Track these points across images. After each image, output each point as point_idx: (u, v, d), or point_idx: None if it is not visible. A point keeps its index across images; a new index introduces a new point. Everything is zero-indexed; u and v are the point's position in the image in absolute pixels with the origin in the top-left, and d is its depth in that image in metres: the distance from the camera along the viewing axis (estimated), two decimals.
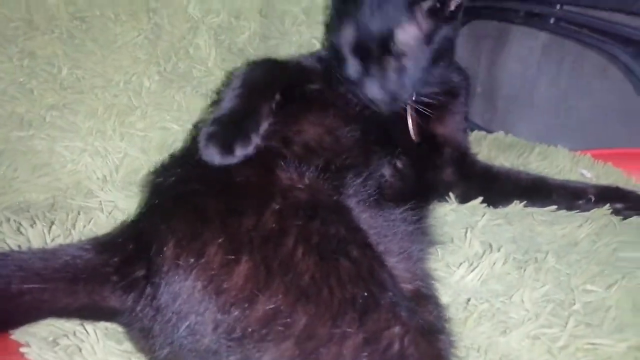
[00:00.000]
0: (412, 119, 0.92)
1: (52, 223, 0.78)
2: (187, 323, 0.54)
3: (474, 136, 1.27)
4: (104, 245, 0.65)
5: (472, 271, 0.76)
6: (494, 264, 0.78)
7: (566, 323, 0.65)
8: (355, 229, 0.62)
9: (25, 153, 0.87)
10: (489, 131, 1.33)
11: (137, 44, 0.99)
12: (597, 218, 0.90)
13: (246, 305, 0.52)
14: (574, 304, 0.69)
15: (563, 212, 0.93)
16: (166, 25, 1.04)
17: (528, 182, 0.99)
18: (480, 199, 0.97)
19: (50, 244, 0.75)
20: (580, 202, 0.92)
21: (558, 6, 1.23)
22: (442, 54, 0.88)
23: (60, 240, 0.76)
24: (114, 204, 0.88)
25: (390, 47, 0.82)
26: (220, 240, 0.57)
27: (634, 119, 1.24)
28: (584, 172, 1.05)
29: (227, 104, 0.76)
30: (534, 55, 1.48)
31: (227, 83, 0.86)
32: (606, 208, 0.91)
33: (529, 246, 0.84)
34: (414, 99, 0.89)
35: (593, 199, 0.91)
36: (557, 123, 1.46)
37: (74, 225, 0.79)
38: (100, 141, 0.92)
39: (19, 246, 0.72)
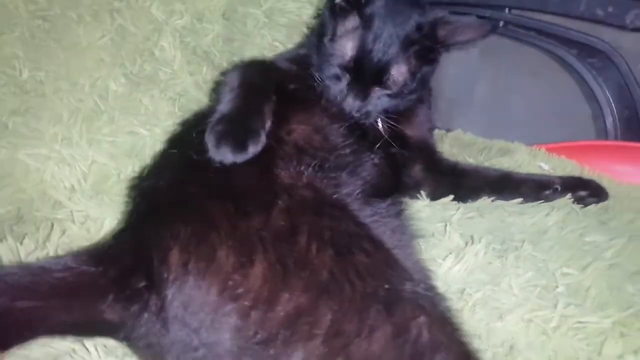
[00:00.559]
0: (381, 121, 0.96)
1: (23, 237, 0.72)
2: (202, 333, 0.52)
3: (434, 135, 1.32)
4: (99, 256, 0.61)
5: (458, 262, 0.79)
6: (476, 254, 0.81)
7: (554, 305, 0.69)
8: (361, 224, 0.62)
9: None
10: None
11: (101, 45, 0.94)
12: (561, 207, 0.96)
13: (266, 307, 0.51)
14: (557, 286, 0.74)
15: (529, 203, 0.99)
16: (130, 27, 0.99)
17: (496, 177, 1.04)
18: (451, 196, 1.01)
19: (26, 259, 0.70)
20: (547, 192, 0.99)
21: (507, 10, 1.31)
22: (419, 89, 0.97)
23: (35, 255, 0.71)
24: (85, 214, 0.83)
25: (384, 79, 0.89)
26: (230, 242, 0.55)
27: (564, 115, 1.35)
28: (542, 164, 1.12)
29: (230, 103, 0.76)
30: (472, 59, 1.56)
31: (219, 84, 0.85)
32: (568, 197, 0.98)
33: (504, 236, 0.88)
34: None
35: (559, 188, 0.98)
36: (494, 121, 1.55)
37: (47, 238, 0.74)
38: (67, 148, 0.86)
39: None
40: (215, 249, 0.55)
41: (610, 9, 1.11)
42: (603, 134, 1.20)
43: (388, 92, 0.92)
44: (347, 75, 0.91)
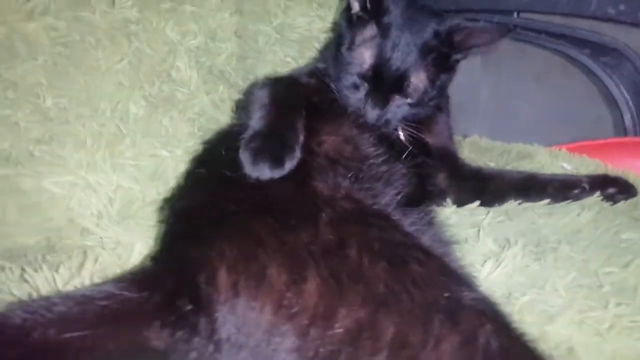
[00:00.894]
0: (402, 130, 0.97)
1: (58, 266, 0.71)
2: (258, 355, 0.50)
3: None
4: (141, 281, 0.59)
5: (497, 267, 0.78)
6: (514, 258, 0.80)
7: (604, 305, 0.68)
8: (407, 233, 0.61)
9: (11, 193, 0.79)
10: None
11: (120, 69, 0.93)
12: (590, 206, 0.95)
13: (325, 324, 0.50)
14: (602, 286, 0.73)
15: (558, 204, 0.98)
16: (146, 49, 0.99)
17: (520, 179, 1.03)
18: (478, 202, 1.00)
19: (63, 289, 0.68)
20: (576, 191, 0.98)
21: (515, 14, 1.31)
22: (438, 96, 0.97)
23: (72, 284, 0.69)
24: (115, 240, 0.81)
25: (404, 87, 0.90)
26: (280, 259, 0.54)
27: (580, 115, 1.35)
28: (565, 165, 1.12)
29: (263, 120, 0.75)
30: (478, 64, 1.57)
31: (247, 101, 0.85)
32: (597, 195, 0.97)
33: (539, 238, 0.87)
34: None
35: (587, 187, 0.97)
36: (507, 125, 1.56)
37: (81, 266, 0.72)
38: (92, 174, 0.85)
39: (29, 295, 0.65)
40: (265, 267, 0.54)
41: (622, 7, 1.11)
42: (622, 131, 1.19)
43: (407, 100, 0.92)
44: (366, 84, 0.91)
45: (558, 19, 1.23)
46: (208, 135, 1.02)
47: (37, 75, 0.81)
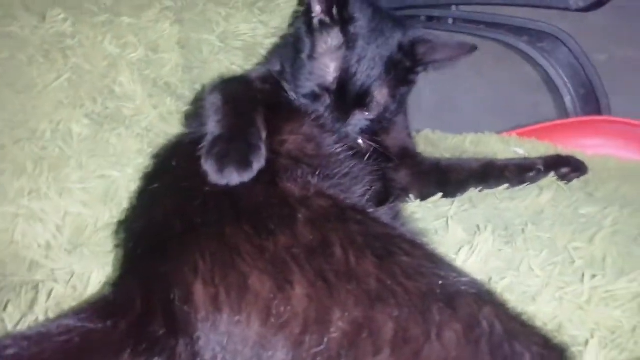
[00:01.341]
0: (361, 139, 0.95)
1: (6, 305, 0.64)
2: None
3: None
4: (104, 309, 0.54)
5: (472, 254, 0.78)
6: (486, 243, 0.80)
7: (580, 279, 0.69)
8: (386, 225, 0.60)
9: None
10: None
11: (58, 86, 0.87)
12: (548, 186, 0.98)
13: (319, 329, 0.47)
14: (574, 261, 0.74)
15: (517, 187, 1.00)
16: (85, 64, 0.93)
17: (479, 167, 1.05)
18: (440, 194, 1.00)
19: (13, 330, 0.61)
20: (531, 174, 1.00)
21: (454, 7, 1.34)
22: (398, 109, 0.96)
23: (24, 324, 0.63)
24: (68, 271, 0.75)
25: (366, 103, 0.87)
26: (261, 266, 0.51)
27: (524, 101, 1.40)
28: (517, 150, 1.15)
29: (221, 123, 0.71)
30: None
31: (198, 109, 0.80)
32: (552, 176, 1.00)
33: (505, 222, 0.88)
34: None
35: (542, 169, 0.99)
36: (454, 117, 1.59)
37: (33, 304, 0.66)
38: (36, 202, 0.78)
39: None
40: (246, 276, 0.50)
41: None
42: (564, 113, 1.24)
43: (368, 115, 0.90)
44: (327, 97, 0.88)
45: (495, 9, 1.28)
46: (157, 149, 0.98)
47: None
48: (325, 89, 0.87)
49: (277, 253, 0.52)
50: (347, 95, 0.87)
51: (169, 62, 1.10)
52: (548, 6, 1.16)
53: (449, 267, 0.55)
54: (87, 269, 0.75)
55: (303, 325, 0.47)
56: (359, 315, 0.47)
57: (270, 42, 1.32)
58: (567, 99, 1.22)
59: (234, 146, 0.67)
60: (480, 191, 1.00)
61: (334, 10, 0.86)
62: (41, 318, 0.64)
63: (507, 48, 1.29)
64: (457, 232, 0.85)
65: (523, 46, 1.25)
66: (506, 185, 1.00)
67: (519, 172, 1.01)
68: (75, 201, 0.84)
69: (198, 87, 1.16)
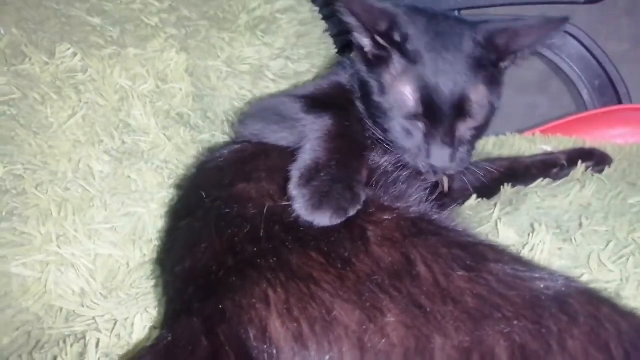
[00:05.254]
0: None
1: None
2: None
3: None
4: (167, 352, 0.49)
5: (534, 256, 0.74)
6: (544, 243, 0.77)
7: None
8: (462, 231, 0.55)
9: None
10: None
11: (74, 124, 0.82)
12: (587, 178, 0.95)
13: (423, 358, 0.41)
14: None
15: (556, 183, 0.97)
16: (98, 99, 0.88)
17: (507, 166, 1.03)
18: (474, 196, 0.97)
19: None
20: (555, 170, 0.98)
21: (457, 12, 1.33)
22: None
23: None
24: (109, 318, 0.69)
25: (466, 108, 0.74)
26: (344, 295, 0.46)
27: (542, 98, 1.38)
28: (544, 147, 1.12)
29: (328, 151, 0.64)
30: None
31: (260, 114, 0.76)
32: (584, 168, 0.98)
33: (554, 220, 0.85)
34: None
35: (565, 164, 0.97)
36: None
37: (81, 358, 0.60)
38: (65, 247, 0.73)
39: None
40: (329, 307, 0.45)
41: None
42: (583, 106, 1.23)
43: (473, 124, 0.77)
44: (420, 124, 0.75)
45: (501, 10, 1.27)
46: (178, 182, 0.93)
47: None
48: (413, 116, 0.75)
49: (359, 282, 0.47)
50: (441, 111, 0.73)
51: (179, 91, 1.06)
52: (557, 2, 1.16)
53: (541, 269, 0.51)
54: (128, 314, 0.70)
55: (404, 357, 0.42)
56: (464, 338, 0.43)
57: (276, 63, 1.29)
58: (584, 92, 1.20)
59: (337, 188, 0.59)
60: (518, 192, 0.97)
61: (383, 40, 0.76)
62: None
63: None
64: (510, 234, 0.81)
65: None
66: (540, 180, 0.97)
67: (544, 169, 0.99)
68: (104, 242, 0.79)
69: (210, 114, 1.12)
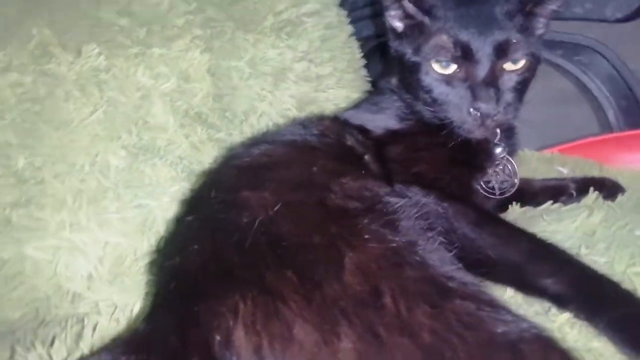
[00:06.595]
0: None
1: (52, 341, 0.63)
2: None
3: None
4: (139, 344, 0.53)
5: None
6: None
7: None
8: (445, 259, 0.56)
9: None
10: None
11: (95, 120, 0.87)
12: (597, 206, 0.93)
13: None
14: (636, 289, 0.69)
15: (565, 207, 0.96)
16: (119, 97, 0.93)
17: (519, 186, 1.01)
18: None
19: None
20: (563, 198, 0.97)
21: None
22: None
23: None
24: (111, 302, 0.75)
25: (508, 48, 0.75)
26: (307, 317, 0.48)
27: (563, 117, 1.35)
28: (560, 169, 1.10)
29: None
30: None
31: None
32: (595, 195, 0.96)
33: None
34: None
35: (574, 193, 0.96)
36: None
37: (78, 339, 0.65)
38: (76, 234, 0.79)
39: None
40: (291, 325, 0.48)
41: (588, 6, 1.13)
42: (607, 127, 1.20)
43: (516, 66, 0.77)
44: (461, 72, 0.76)
45: None
46: (192, 177, 0.97)
47: (6, 135, 0.75)
48: (453, 61, 0.76)
49: (324, 305, 0.49)
50: (477, 53, 0.74)
51: (200, 91, 1.10)
52: (584, 18, 1.13)
53: (504, 309, 0.52)
54: (129, 300, 0.75)
55: None
56: None
57: (298, 65, 1.31)
58: (610, 113, 1.17)
59: None
60: (525, 213, 0.96)
61: (414, 7, 0.81)
62: (86, 353, 0.63)
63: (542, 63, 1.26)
64: None
65: (559, 60, 1.22)
66: (550, 203, 0.96)
67: (552, 196, 0.97)
68: (114, 232, 0.84)
69: (228, 114, 1.16)
